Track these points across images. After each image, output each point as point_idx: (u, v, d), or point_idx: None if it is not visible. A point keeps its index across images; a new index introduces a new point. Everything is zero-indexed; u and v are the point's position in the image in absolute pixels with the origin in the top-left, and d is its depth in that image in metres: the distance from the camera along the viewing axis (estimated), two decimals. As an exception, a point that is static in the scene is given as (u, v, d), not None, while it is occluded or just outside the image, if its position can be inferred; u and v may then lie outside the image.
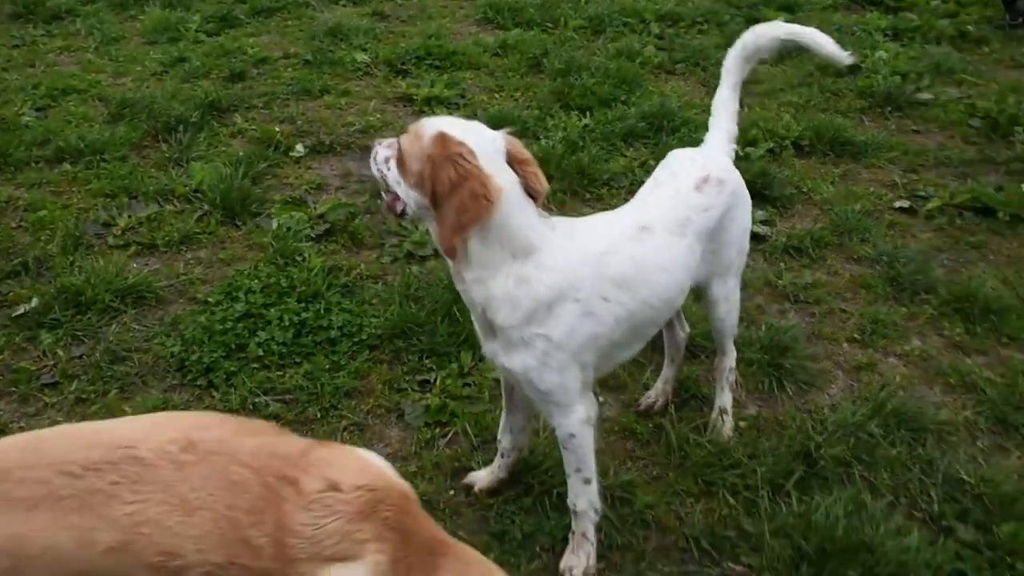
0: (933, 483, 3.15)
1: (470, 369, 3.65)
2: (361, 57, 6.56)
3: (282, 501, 1.84)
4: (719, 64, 3.20)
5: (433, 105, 5.86)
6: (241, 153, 5.18)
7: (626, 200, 3.00)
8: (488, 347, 2.65)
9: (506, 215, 2.42)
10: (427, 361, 3.69)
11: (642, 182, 3.03)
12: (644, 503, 3.06)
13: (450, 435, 3.36)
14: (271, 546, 1.81)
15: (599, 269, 2.57)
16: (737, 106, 3.13)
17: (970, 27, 7.25)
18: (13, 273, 4.22)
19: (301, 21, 7.45)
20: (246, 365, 3.64)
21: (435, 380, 3.60)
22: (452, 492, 3.13)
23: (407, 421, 3.42)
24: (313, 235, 4.50)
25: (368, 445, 3.27)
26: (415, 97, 5.96)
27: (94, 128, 5.53)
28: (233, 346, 3.71)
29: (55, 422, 3.37)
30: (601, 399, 3.53)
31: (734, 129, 3.11)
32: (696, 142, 3.24)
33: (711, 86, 6.12)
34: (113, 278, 4.08)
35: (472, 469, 3.20)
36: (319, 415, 3.42)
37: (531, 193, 2.51)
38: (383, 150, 2.59)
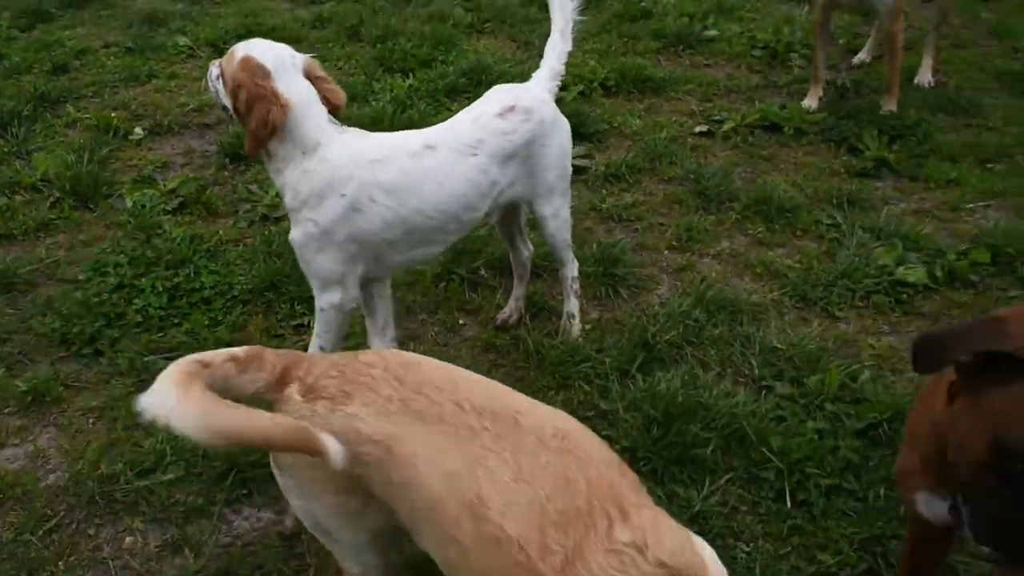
0: (752, 353, 3.70)
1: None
2: (183, 40, 6.71)
3: (591, 529, 1.80)
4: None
5: (262, 79, 6.07)
6: (81, 141, 5.31)
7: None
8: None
9: (296, 122, 2.95)
10: (298, 307, 4.00)
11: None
12: (512, 399, 3.50)
13: (330, 366, 3.69)
14: (561, 559, 1.77)
15: (369, 173, 3.03)
16: (566, 47, 3.53)
17: (745, -32, 7.98)
18: None
19: (114, 11, 7.49)
20: (128, 331, 3.86)
21: (308, 323, 3.92)
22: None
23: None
24: (169, 209, 4.71)
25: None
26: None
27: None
28: (112, 315, 3.92)
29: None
30: (461, 321, 3.95)
31: (559, 67, 3.52)
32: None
33: (519, 41, 6.67)
34: (-24, 268, 4.20)
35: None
36: (206, 366, 3.69)
37: (330, 106, 3.05)
38: (215, 68, 3.10)
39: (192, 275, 4.15)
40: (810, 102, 5.64)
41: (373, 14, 7.15)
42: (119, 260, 4.24)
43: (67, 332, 3.85)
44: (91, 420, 3.45)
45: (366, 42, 6.70)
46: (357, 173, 3.02)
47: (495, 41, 6.78)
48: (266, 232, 4.51)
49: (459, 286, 4.13)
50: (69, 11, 7.47)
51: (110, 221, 4.65)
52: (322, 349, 3.18)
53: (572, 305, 3.81)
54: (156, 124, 5.56)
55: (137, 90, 6.07)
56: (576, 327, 3.80)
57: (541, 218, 3.55)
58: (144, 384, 3.48)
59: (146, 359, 3.70)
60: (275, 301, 4.04)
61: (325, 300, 3.14)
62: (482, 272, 4.16)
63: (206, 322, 3.90)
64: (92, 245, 4.47)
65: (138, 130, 5.49)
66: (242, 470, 3.15)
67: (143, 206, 4.68)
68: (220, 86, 3.07)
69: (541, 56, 3.59)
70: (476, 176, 3.21)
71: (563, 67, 3.54)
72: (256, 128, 2.91)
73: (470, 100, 5.65)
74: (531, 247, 3.87)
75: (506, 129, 3.26)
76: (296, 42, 6.59)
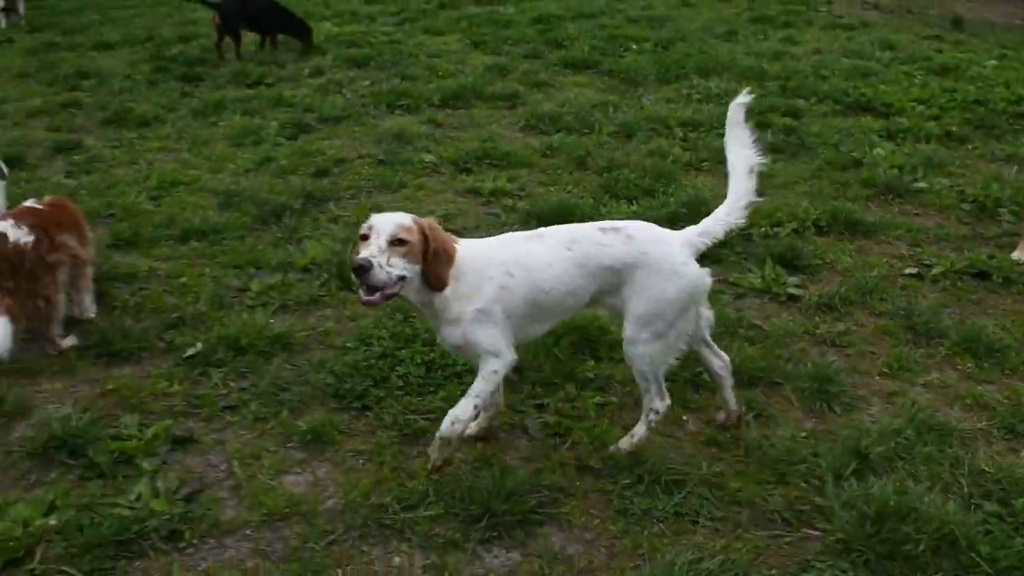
0: (961, 473, 3.91)
1: (575, 396, 4.43)
2: (428, 157, 7.50)
3: None
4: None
5: (499, 196, 6.76)
6: (343, 234, 6.04)
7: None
8: (442, 334, 3.75)
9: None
10: (539, 389, 4.47)
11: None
12: (733, 488, 3.83)
13: (569, 443, 4.13)
14: None
15: (501, 254, 3.73)
16: (731, 218, 3.89)
17: (953, 128, 8.32)
18: (173, 325, 5.01)
19: (365, 127, 8.42)
20: (391, 392, 4.41)
21: (547, 403, 4.38)
22: (579, 482, 3.87)
23: (531, 434, 4.19)
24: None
25: (503, 451, 4.04)
26: (482, 190, 6.87)
27: (209, 213, 6.40)
28: (377, 378, 4.49)
29: (239, 436, 4.13)
30: (684, 418, 4.33)
31: (714, 230, 3.88)
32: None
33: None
34: (262, 328, 4.88)
35: (591, 468, 3.95)
36: (458, 429, 4.20)
37: None
38: (377, 259, 3.43)
39: (446, 353, 4.68)
40: (1020, 254, 5.86)
41: (599, 147, 7.80)
42: (381, 334, 4.83)
43: (339, 388, 4.43)
44: (361, 461, 3.97)
45: (592, 171, 7.33)
46: (495, 256, 3.71)
47: (712, 179, 7.28)
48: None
49: (683, 386, 4.51)
50: (327, 125, 8.47)
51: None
52: (475, 408, 3.69)
53: (639, 430, 4.04)
54: (407, 225, 6.23)
55: (388, 196, 6.83)
56: (626, 442, 4.05)
57: (624, 339, 3.89)
58: (407, 437, 4.03)
59: (408, 417, 4.22)
60: (517, 383, 4.51)
61: (494, 365, 3.68)
62: (704, 376, 4.54)
63: (459, 393, 4.40)
64: (357, 320, 5.09)
65: (389, 231, 6.17)
66: (495, 515, 3.58)
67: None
68: (398, 261, 3.47)
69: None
70: (572, 268, 3.74)
71: (721, 232, 3.88)
72: (446, 261, 3.57)
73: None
74: (724, 357, 4.20)
75: (602, 241, 3.78)
76: (528, 166, 7.38)
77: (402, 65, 10.45)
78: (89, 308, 5.08)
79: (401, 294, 3.55)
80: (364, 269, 3.39)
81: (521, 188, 6.97)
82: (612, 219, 6.06)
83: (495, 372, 3.68)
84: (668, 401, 3.98)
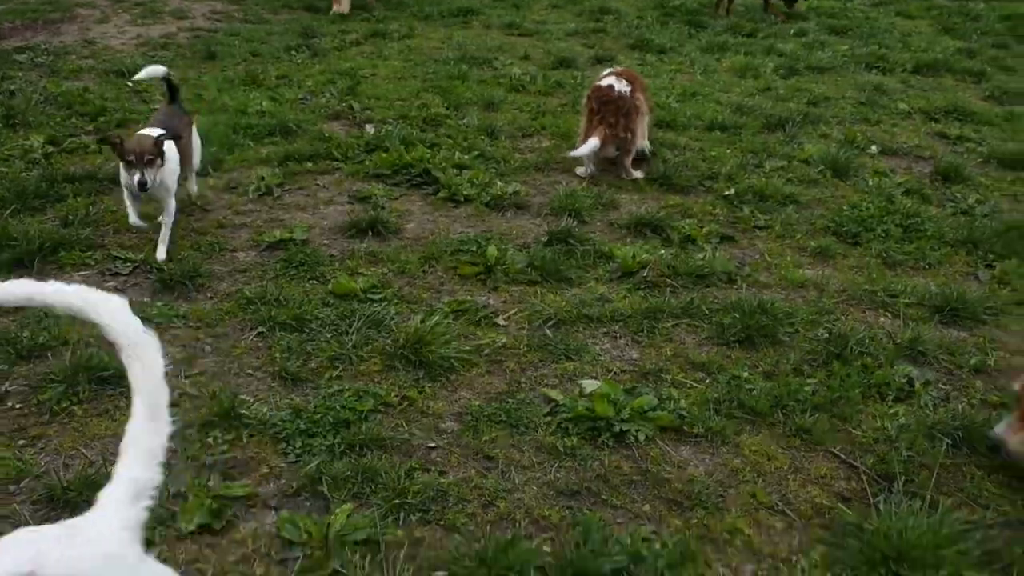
0: None
1: None
2: (902, 106, 8.91)
3: None
4: None
5: (962, 141, 8.04)
6: (836, 141, 7.67)
7: None
8: None
9: None
10: None
11: None
12: None
13: None
14: None
15: None
16: None
17: None
18: (709, 177, 6.90)
19: (845, 78, 9.93)
20: (876, 236, 6.01)
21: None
22: None
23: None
24: (900, 188, 6.82)
25: None
26: (948, 135, 8.19)
27: (726, 114, 8.26)
28: (867, 227, 6.11)
29: (766, 243, 5.91)
30: None
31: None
32: None
33: None
34: (777, 188, 6.64)
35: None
36: None
37: None
38: None
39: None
40: None
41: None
42: (868, 202, 6.42)
43: (837, 228, 6.09)
44: (854, 271, 5.61)
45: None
46: None
47: None
48: None
49: None
50: (812, 73, 10.09)
51: (856, 188, 6.87)
52: None
53: None
54: (886, 147, 7.74)
55: (866, 127, 8.33)
56: None
57: None
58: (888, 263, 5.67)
59: (886, 250, 5.80)
60: None
61: None
62: None
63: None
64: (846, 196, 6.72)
65: (873, 147, 7.72)
66: None
67: (878, 185, 6.85)
68: None
69: None
70: None
71: None
72: None
73: None
74: None
75: None
76: (990, 125, 8.55)
77: (878, 37, 11.79)
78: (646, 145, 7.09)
79: None
80: None
81: (982, 138, 8.18)
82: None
83: None
84: None
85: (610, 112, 6.68)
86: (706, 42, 11.20)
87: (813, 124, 8.25)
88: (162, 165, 5.20)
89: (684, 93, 9.00)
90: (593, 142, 6.54)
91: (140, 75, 6.00)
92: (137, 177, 5.11)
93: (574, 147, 6.76)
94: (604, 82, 6.86)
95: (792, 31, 11.95)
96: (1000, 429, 3.82)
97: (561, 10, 12.99)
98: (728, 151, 7.47)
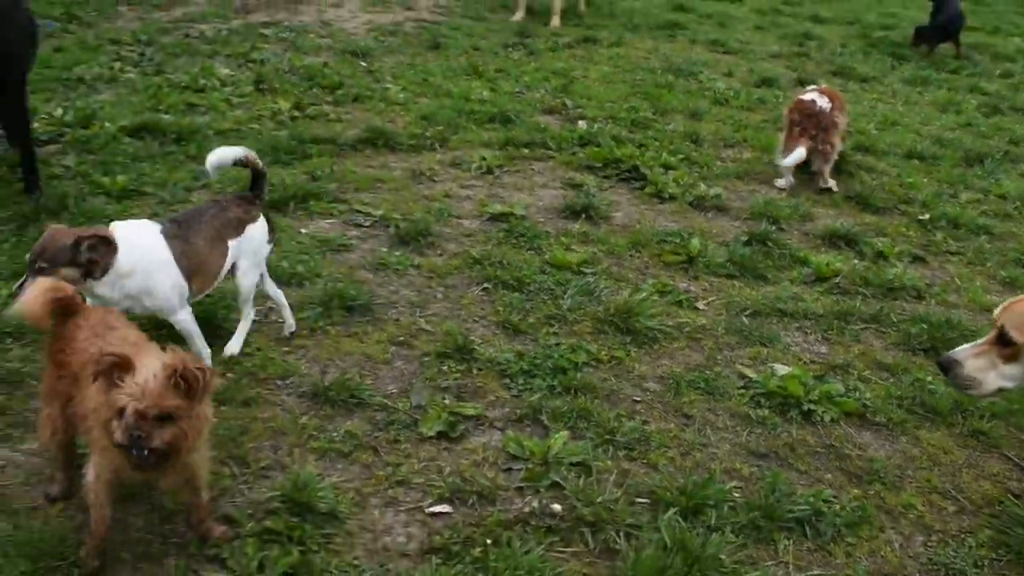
0: None
1: None
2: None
3: None
4: None
5: None
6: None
7: None
8: None
9: None
10: None
11: None
12: None
13: None
14: None
15: None
16: None
17: None
18: (904, 201, 7.15)
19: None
20: None
21: None
22: None
23: None
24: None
25: None
26: None
27: (924, 146, 8.43)
28: None
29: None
30: None
31: None
32: None
33: None
34: (971, 217, 6.84)
35: None
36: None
37: None
38: None
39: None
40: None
41: None
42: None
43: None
44: None
45: None
46: None
47: None
48: None
49: None
50: (1018, 113, 10.08)
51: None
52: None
53: None
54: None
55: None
56: None
57: None
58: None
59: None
60: None
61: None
62: None
63: None
64: None
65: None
66: None
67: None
68: None
69: None
70: None
71: None
72: None
73: None
74: None
75: None
76: None
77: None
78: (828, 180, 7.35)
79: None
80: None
81: None
82: None
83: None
84: None
85: (811, 125, 7.04)
86: (909, 75, 11.32)
87: (1013, 163, 8.35)
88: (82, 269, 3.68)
89: (884, 121, 9.21)
90: (800, 151, 6.91)
91: (211, 160, 4.27)
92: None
93: (778, 157, 7.14)
94: (807, 96, 7.25)
95: (998, 72, 11.90)
96: (959, 351, 3.70)
97: (765, 32, 13.27)
98: (924, 179, 7.68)
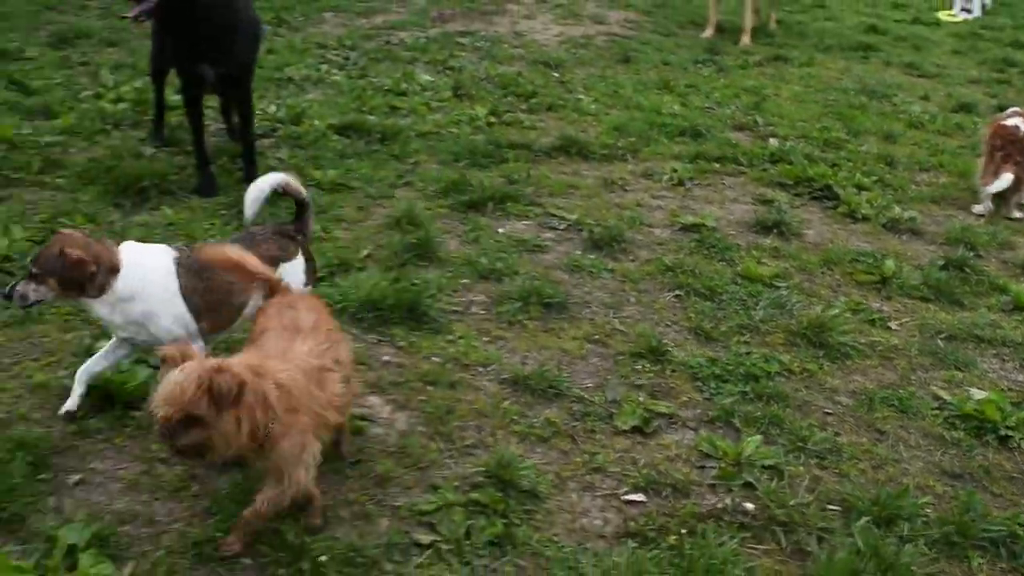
0: None
1: None
2: None
3: None
4: None
5: None
6: None
7: None
8: None
9: None
10: None
11: None
12: None
13: None
14: None
15: None
16: None
17: None
18: None
19: None
20: None
21: None
22: None
23: None
24: None
25: None
26: None
27: None
28: None
29: None
30: None
31: None
32: None
33: None
34: None
35: None
36: None
37: None
38: None
39: None
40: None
41: None
42: None
43: None
44: None
45: None
46: None
47: None
48: None
49: None
50: None
51: None
52: None
53: None
54: None
55: None
56: None
57: None
58: None
59: None
60: None
61: None
62: None
63: None
64: None
65: None
66: None
67: None
68: None
69: None
70: None
71: None
72: None
73: None
74: None
75: None
76: None
77: None
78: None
79: None
80: None
81: None
82: None
83: None
84: None
85: (1017, 151, 6.87)
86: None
87: None
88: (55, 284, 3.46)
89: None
90: (1008, 176, 6.77)
91: (250, 196, 3.86)
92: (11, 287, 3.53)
93: (977, 183, 7.01)
94: (1010, 122, 7.09)
95: None
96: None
97: (963, 57, 12.88)
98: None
